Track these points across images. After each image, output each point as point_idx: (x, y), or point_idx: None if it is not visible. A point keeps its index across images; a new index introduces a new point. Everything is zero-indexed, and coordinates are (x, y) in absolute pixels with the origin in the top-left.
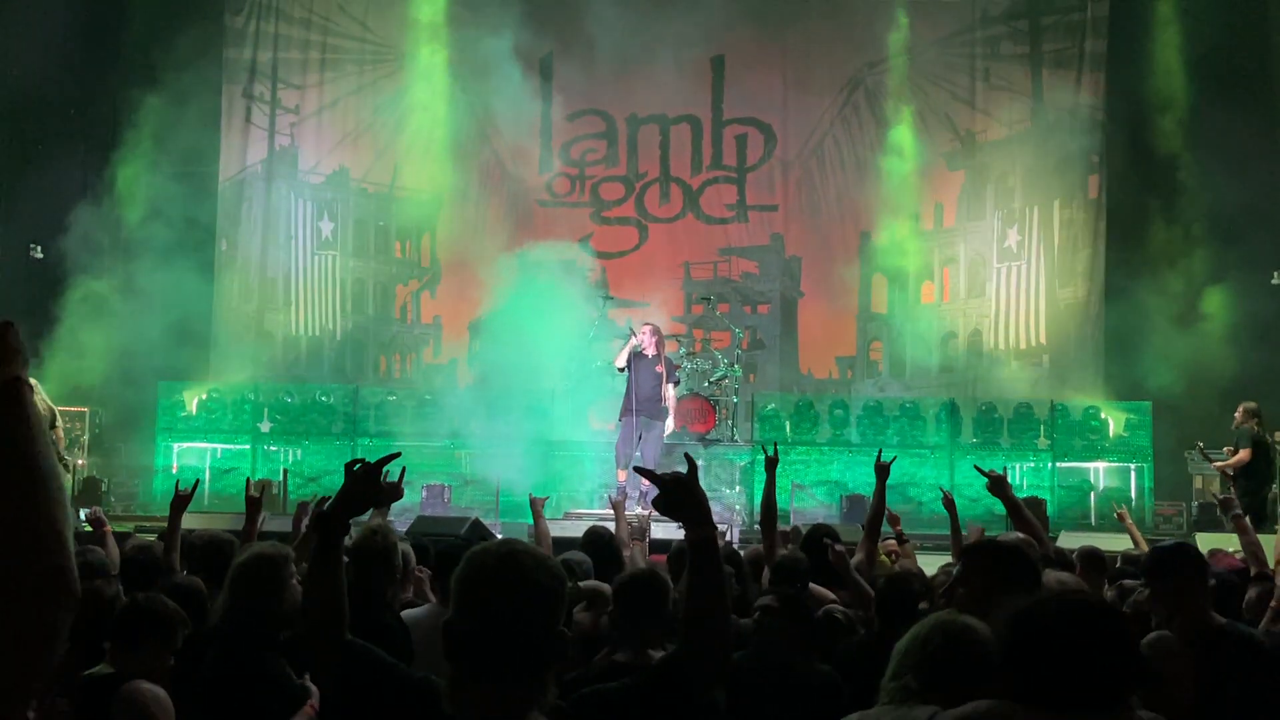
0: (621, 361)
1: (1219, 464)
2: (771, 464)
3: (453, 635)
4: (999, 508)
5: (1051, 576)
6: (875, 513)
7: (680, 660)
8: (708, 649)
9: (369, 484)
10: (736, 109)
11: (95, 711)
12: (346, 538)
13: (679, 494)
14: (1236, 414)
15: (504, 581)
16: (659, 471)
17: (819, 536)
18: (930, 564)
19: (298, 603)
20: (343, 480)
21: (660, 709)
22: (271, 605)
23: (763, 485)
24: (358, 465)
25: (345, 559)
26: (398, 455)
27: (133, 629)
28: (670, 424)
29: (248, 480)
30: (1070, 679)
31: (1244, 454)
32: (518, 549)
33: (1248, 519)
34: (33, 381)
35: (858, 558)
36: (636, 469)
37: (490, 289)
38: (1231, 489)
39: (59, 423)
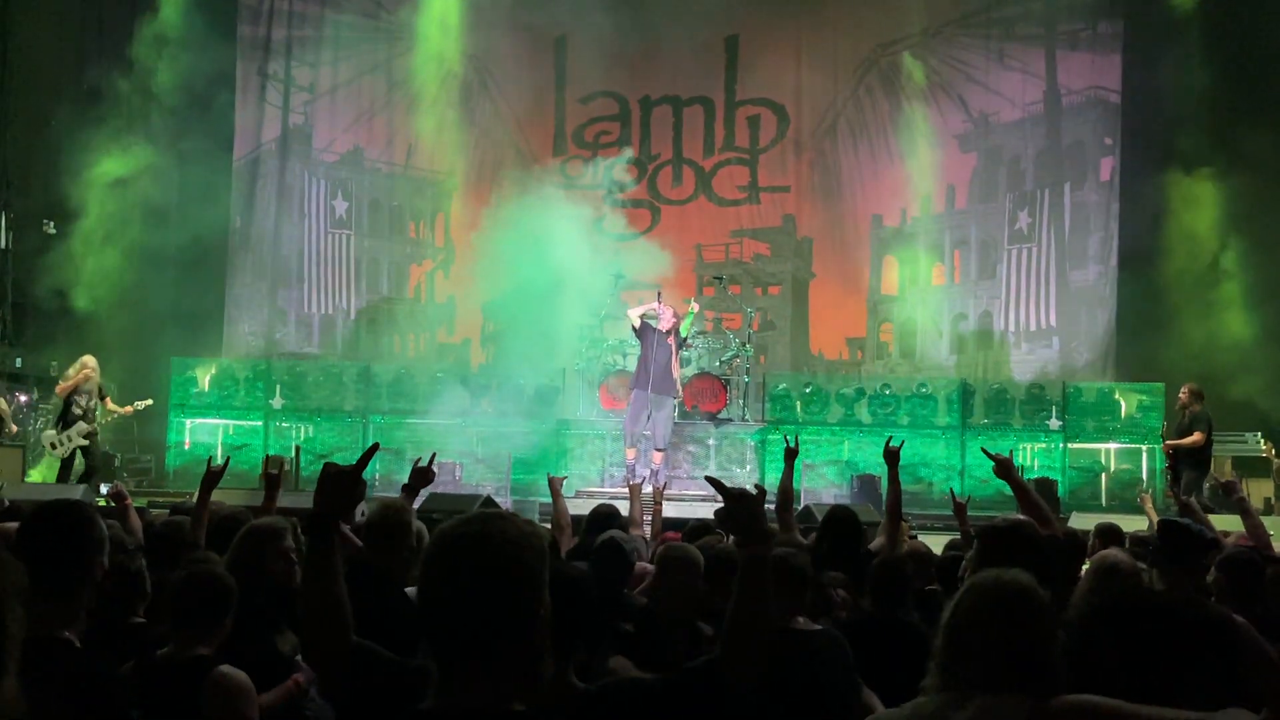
0: (635, 316)
1: (1171, 442)
2: (791, 454)
3: (429, 622)
4: (1009, 489)
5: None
6: (894, 498)
7: (719, 667)
8: (746, 659)
9: (347, 486)
10: (750, 90)
11: (181, 694)
12: (361, 514)
13: (743, 511)
14: (1182, 395)
15: (481, 562)
16: (667, 447)
17: (839, 518)
18: (940, 545)
19: (286, 575)
20: (356, 463)
21: (692, 710)
22: (260, 576)
23: (772, 464)
24: (334, 469)
25: (357, 539)
26: (375, 449)
27: (199, 603)
28: (676, 391)
29: (266, 457)
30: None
31: (1199, 436)
32: (494, 522)
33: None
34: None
35: (879, 541)
36: (707, 479)
37: (503, 269)
38: (1169, 472)
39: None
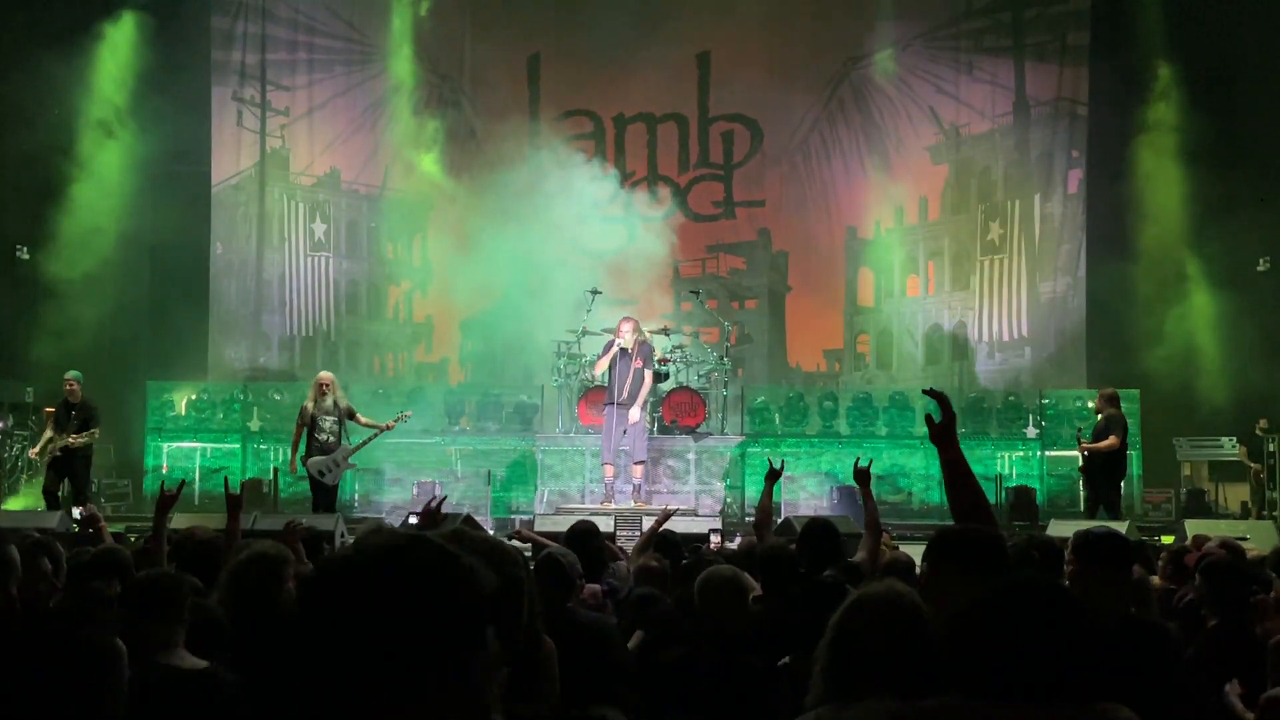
0: (602, 368)
1: (1086, 445)
2: (773, 476)
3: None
4: (989, 497)
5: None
6: (871, 515)
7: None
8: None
9: None
10: (723, 106)
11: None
12: (341, 536)
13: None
14: (1098, 400)
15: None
16: (645, 459)
17: (815, 530)
18: (919, 553)
19: (293, 604)
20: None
21: None
22: (269, 605)
23: (752, 477)
24: None
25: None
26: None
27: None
28: (636, 411)
29: (225, 479)
30: (1018, 667)
31: (1114, 440)
32: (476, 540)
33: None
34: None
35: (860, 555)
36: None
37: (480, 287)
38: (1084, 479)
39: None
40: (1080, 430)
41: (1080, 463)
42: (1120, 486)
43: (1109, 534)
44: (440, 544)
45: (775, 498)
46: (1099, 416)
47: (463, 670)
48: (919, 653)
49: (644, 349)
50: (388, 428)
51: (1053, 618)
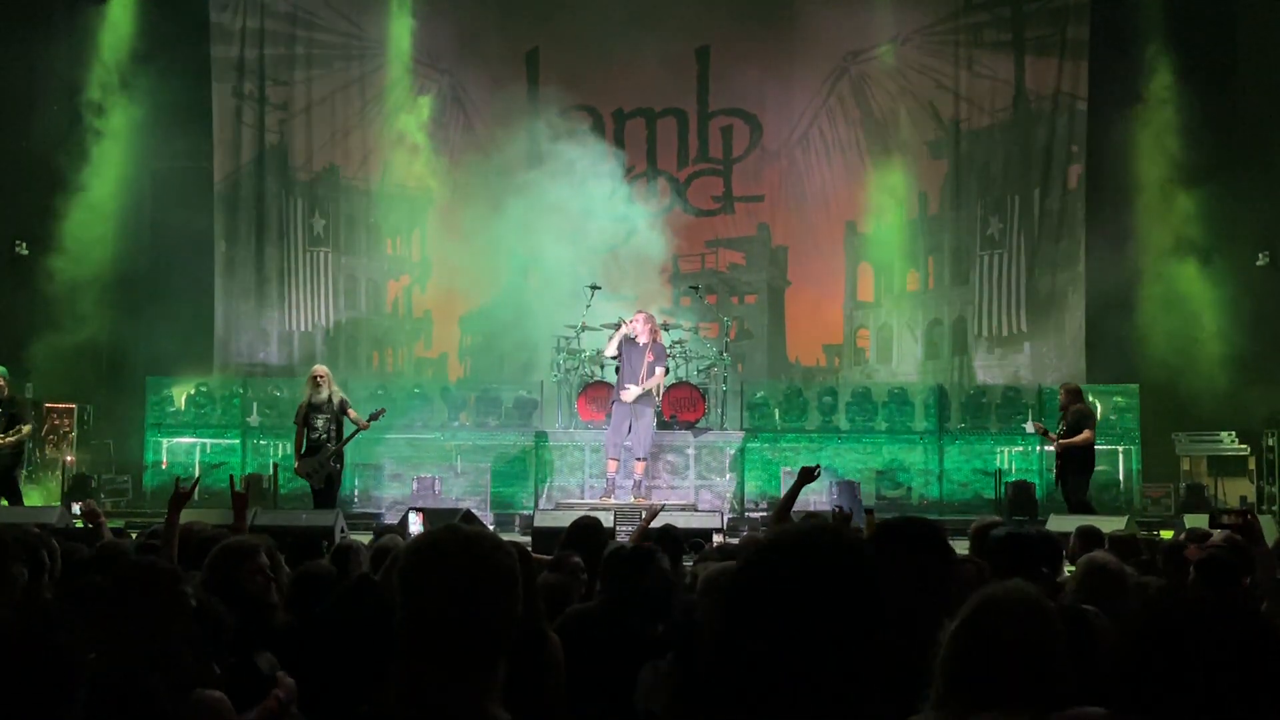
0: (611, 350)
1: (1063, 441)
2: (809, 477)
3: (407, 629)
4: (988, 492)
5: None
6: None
7: None
8: None
9: None
10: (722, 100)
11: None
12: (341, 531)
13: None
14: (1061, 397)
15: (463, 567)
16: (647, 456)
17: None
18: None
19: (263, 593)
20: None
21: None
22: (238, 593)
23: (751, 473)
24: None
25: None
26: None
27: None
28: (634, 391)
29: (231, 477)
30: (1192, 689)
31: (1089, 434)
32: (470, 532)
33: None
34: None
35: None
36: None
37: (480, 282)
38: (1057, 473)
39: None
40: (1062, 430)
41: (1055, 460)
42: (1089, 481)
43: (1011, 535)
44: (488, 533)
45: (775, 492)
46: (1064, 413)
47: (865, 659)
48: (1053, 660)
49: (658, 348)
50: (364, 426)
51: (1227, 634)
